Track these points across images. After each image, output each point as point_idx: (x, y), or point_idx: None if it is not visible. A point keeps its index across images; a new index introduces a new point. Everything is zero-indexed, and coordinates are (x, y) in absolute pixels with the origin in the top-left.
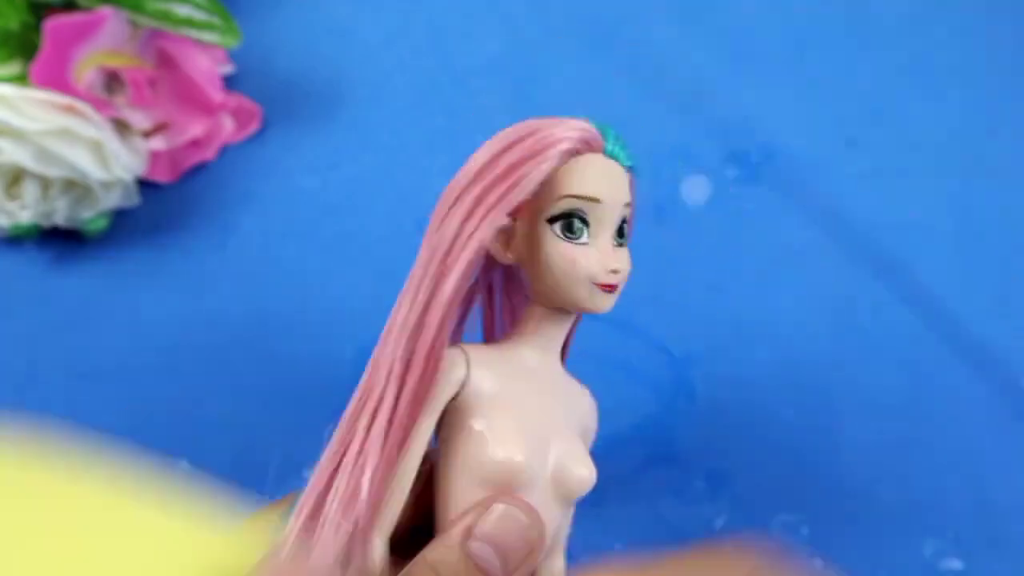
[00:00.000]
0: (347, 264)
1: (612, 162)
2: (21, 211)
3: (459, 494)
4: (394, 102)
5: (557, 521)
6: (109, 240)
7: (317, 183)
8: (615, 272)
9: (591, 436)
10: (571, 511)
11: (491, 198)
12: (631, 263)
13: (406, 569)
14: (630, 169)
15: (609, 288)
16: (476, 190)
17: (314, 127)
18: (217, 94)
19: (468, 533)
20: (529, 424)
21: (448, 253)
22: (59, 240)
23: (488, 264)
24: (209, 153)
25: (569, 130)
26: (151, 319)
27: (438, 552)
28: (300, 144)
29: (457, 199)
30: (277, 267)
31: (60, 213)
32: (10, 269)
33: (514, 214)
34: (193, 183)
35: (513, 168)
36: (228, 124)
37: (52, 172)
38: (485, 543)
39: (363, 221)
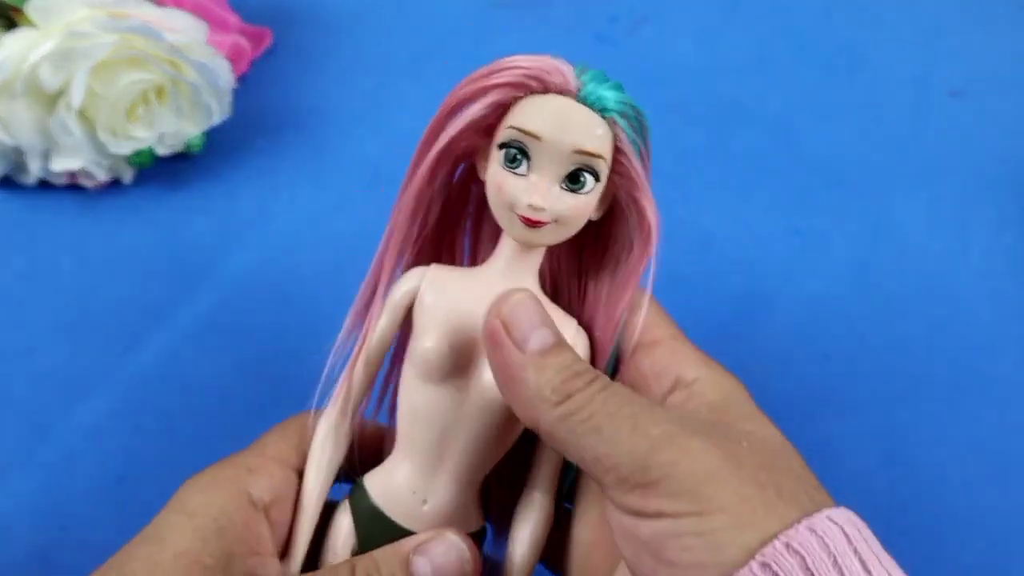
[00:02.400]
0: None
1: (579, 107)
2: (147, 132)
3: (403, 382)
4: None
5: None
6: (211, 155)
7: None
8: (534, 208)
9: None
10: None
11: (449, 130)
12: (577, 213)
13: (350, 560)
14: (613, 120)
15: (528, 223)
16: (441, 113)
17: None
18: (229, 15)
19: (416, 549)
20: (461, 335)
21: (415, 165)
22: (171, 162)
23: (478, 192)
24: (242, 67)
25: (512, 76)
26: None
27: (384, 556)
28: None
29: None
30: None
31: (175, 134)
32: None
33: (489, 135)
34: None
35: (461, 102)
36: (245, 42)
37: (198, 82)
38: (427, 561)
39: None
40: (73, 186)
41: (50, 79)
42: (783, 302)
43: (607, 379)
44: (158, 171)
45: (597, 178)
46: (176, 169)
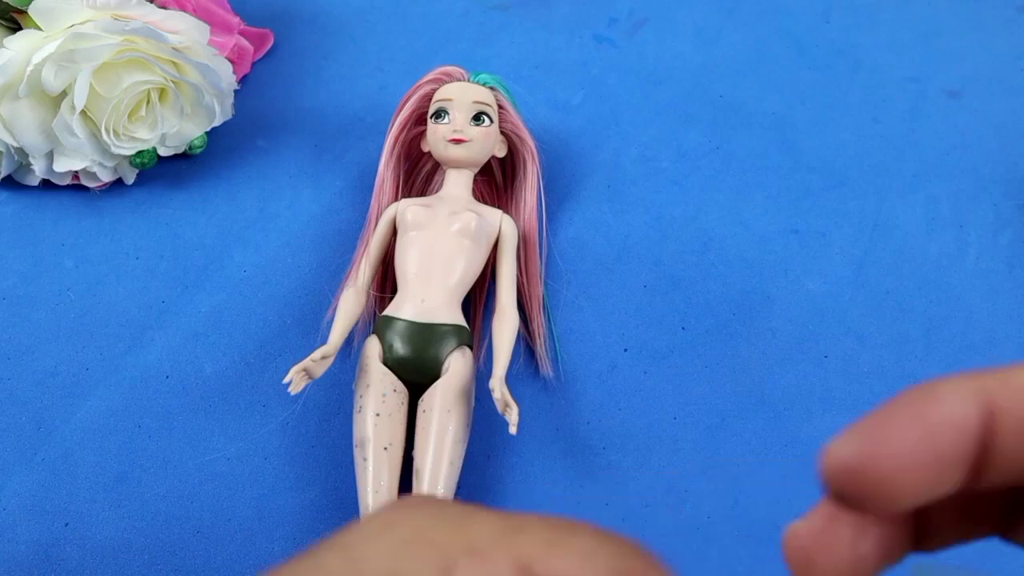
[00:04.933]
0: None
1: (471, 83)
2: (149, 133)
3: (398, 245)
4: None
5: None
6: (212, 156)
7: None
8: (457, 131)
9: (491, 233)
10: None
11: (399, 117)
12: (484, 136)
13: None
14: (493, 88)
15: (455, 141)
16: (396, 111)
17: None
18: (231, 17)
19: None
20: (427, 209)
21: (388, 147)
22: (173, 163)
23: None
24: (244, 68)
25: (430, 77)
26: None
27: None
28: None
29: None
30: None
31: (177, 135)
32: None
33: (422, 123)
34: (244, 95)
35: (405, 101)
36: (246, 44)
37: (200, 83)
38: None
39: None
40: (76, 186)
41: (53, 80)
42: (782, 302)
43: None
44: (160, 171)
45: (491, 119)
46: (178, 169)
